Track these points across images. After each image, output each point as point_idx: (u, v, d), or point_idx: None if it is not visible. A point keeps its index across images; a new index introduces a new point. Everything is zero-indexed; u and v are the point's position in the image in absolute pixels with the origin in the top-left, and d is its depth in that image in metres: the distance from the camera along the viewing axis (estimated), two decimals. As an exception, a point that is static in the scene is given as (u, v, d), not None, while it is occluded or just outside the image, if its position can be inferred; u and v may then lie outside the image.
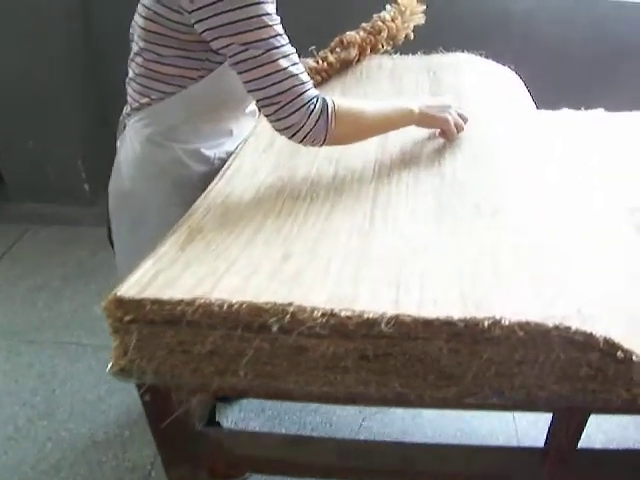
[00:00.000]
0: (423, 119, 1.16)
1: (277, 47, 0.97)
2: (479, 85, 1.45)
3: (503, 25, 2.01)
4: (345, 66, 1.56)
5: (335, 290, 0.76)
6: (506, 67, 1.59)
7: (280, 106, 0.98)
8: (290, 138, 1.03)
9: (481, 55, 1.59)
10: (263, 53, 0.96)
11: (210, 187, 1.06)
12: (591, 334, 0.70)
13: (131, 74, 1.14)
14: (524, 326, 0.70)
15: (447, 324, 0.70)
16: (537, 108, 1.58)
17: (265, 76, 0.97)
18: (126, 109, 1.18)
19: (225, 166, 1.13)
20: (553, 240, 0.89)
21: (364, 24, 1.59)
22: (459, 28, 1.88)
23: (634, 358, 0.70)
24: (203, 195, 1.04)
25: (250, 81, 0.98)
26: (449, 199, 1.01)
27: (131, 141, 1.17)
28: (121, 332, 0.79)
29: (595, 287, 0.81)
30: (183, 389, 0.90)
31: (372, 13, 1.62)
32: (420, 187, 1.06)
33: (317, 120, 1.00)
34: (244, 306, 0.73)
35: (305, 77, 1.01)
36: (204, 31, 0.97)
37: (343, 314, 0.71)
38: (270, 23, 0.96)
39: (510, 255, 0.84)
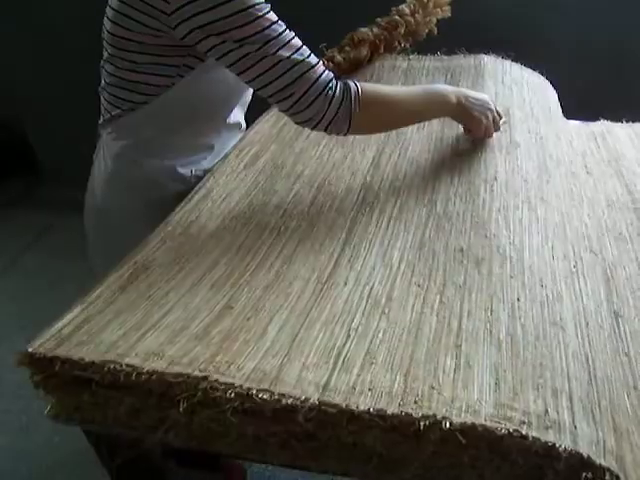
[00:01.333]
0: (460, 113, 1.08)
1: (274, 37, 0.88)
2: (503, 96, 1.29)
3: (535, 25, 1.80)
4: (355, 66, 1.43)
5: (263, 361, 0.67)
6: (536, 72, 1.41)
7: (295, 99, 0.91)
8: (313, 129, 0.96)
9: (509, 58, 1.41)
10: (260, 47, 0.87)
11: (173, 214, 0.97)
12: (553, 446, 0.57)
13: (102, 82, 1.06)
14: (469, 430, 0.58)
15: (378, 418, 0.60)
16: (573, 118, 1.42)
17: (268, 70, 0.89)
18: (100, 119, 1.11)
19: (196, 187, 1.04)
20: (535, 313, 0.76)
21: (379, 19, 1.45)
22: (486, 27, 1.69)
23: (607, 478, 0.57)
24: (164, 223, 0.95)
25: (253, 79, 0.90)
26: (432, 240, 0.89)
27: (104, 155, 1.09)
28: (40, 386, 0.73)
29: (576, 376, 0.67)
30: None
31: (391, 5, 1.47)
32: (403, 221, 0.94)
33: (339, 107, 0.92)
34: (154, 377, 0.65)
35: (314, 60, 0.92)
36: (189, 33, 0.88)
37: (260, 397, 0.61)
38: (260, 14, 0.87)
39: (478, 332, 0.71)
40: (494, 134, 1.12)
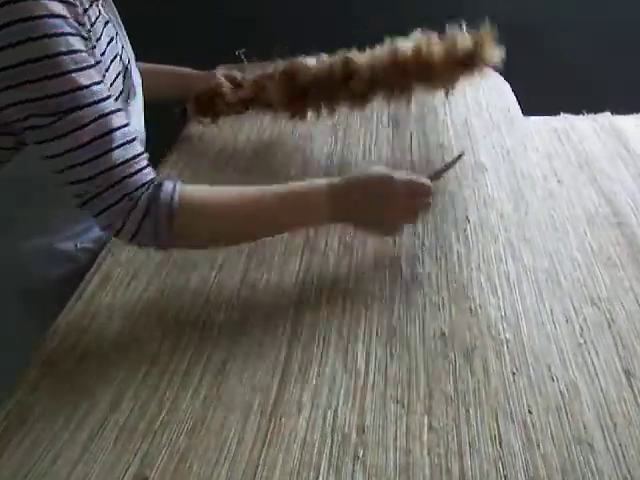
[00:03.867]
0: (342, 221, 0.78)
1: (83, 107, 0.63)
2: (455, 103, 1.10)
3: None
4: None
5: None
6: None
7: (87, 198, 0.67)
8: (117, 237, 0.72)
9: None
10: (58, 119, 0.63)
11: (56, 323, 0.73)
12: None
13: None
14: None
15: None
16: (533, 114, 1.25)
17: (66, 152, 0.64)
18: None
19: (90, 272, 0.80)
20: (554, 431, 0.57)
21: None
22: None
23: None
24: (45, 336, 0.72)
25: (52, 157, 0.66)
26: (403, 322, 0.70)
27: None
28: None
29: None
30: None
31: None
32: (362, 294, 0.74)
33: (141, 220, 0.67)
34: None
35: (134, 149, 0.67)
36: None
37: None
38: (72, 67, 0.63)
39: (489, 478, 0.52)
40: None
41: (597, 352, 0.68)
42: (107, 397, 0.63)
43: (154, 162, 0.75)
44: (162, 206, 0.67)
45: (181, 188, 0.69)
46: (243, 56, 1.25)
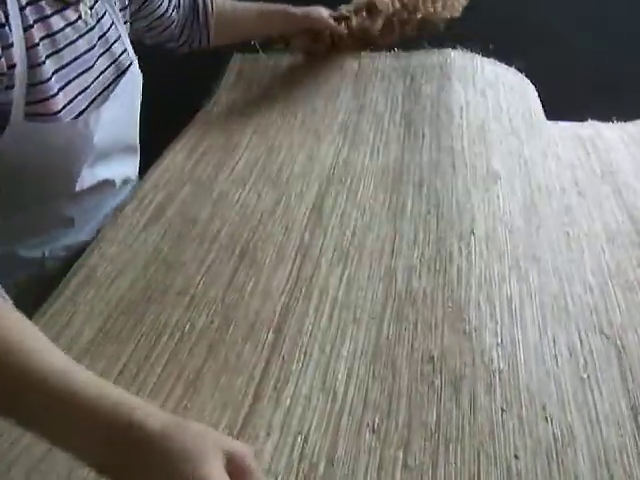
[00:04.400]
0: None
1: None
2: (476, 104, 1.04)
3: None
4: (359, 42, 1.19)
5: None
6: (512, 69, 1.15)
7: None
8: None
9: (481, 53, 1.15)
10: None
11: (38, 314, 0.70)
12: None
13: None
14: None
15: None
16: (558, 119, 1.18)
17: None
18: None
19: (75, 266, 0.77)
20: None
21: None
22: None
23: None
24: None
25: None
26: (392, 341, 0.65)
27: None
28: None
29: None
30: None
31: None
32: (352, 307, 0.70)
33: None
34: None
35: None
36: None
37: None
38: None
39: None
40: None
41: (601, 391, 0.63)
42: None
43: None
44: None
45: None
46: (258, 45, 1.21)
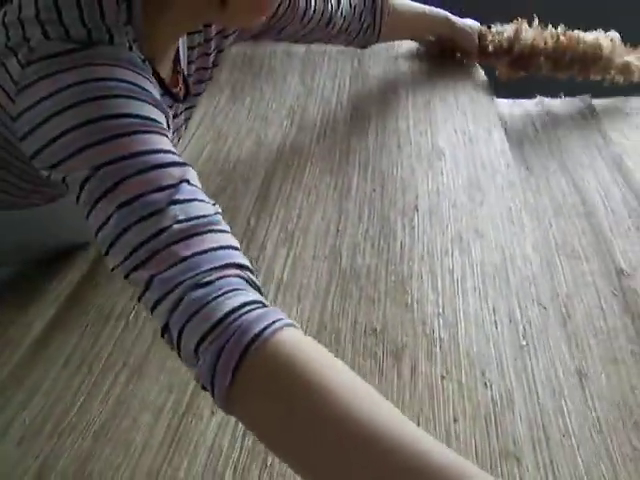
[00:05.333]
0: None
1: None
2: (422, 83, 1.07)
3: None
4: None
5: None
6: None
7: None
8: None
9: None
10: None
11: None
12: None
13: None
14: None
15: None
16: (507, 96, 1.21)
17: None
18: None
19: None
20: (479, 442, 0.55)
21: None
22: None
23: None
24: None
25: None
26: (335, 315, 0.67)
27: None
28: None
29: None
30: None
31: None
32: (297, 286, 0.72)
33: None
34: None
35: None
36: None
37: None
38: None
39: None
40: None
41: (539, 357, 0.66)
42: (19, 396, 0.61)
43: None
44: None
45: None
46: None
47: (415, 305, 0.67)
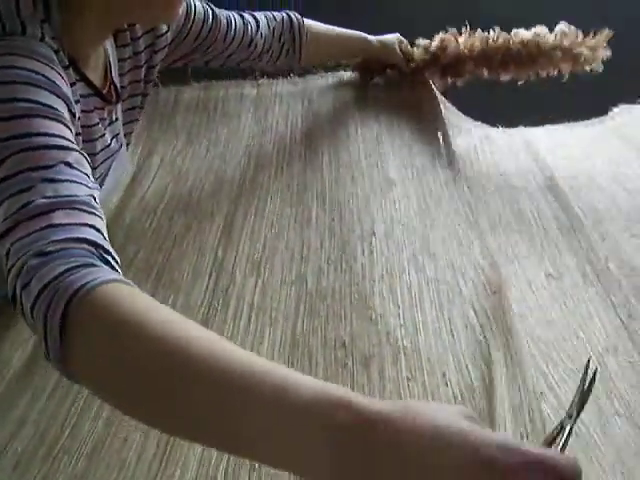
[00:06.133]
0: None
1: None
2: (368, 118, 1.18)
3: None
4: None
5: None
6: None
7: None
8: None
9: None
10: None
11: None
12: None
13: None
14: None
15: None
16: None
17: None
18: None
19: None
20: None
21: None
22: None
23: None
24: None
25: None
26: (306, 333, 0.75)
27: None
28: None
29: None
30: None
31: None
32: (268, 310, 0.79)
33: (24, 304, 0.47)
34: None
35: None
36: None
37: None
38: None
39: None
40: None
41: (498, 349, 0.75)
42: (8, 426, 0.65)
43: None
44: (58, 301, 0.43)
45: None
46: (157, 80, 1.30)
47: (379, 319, 0.76)
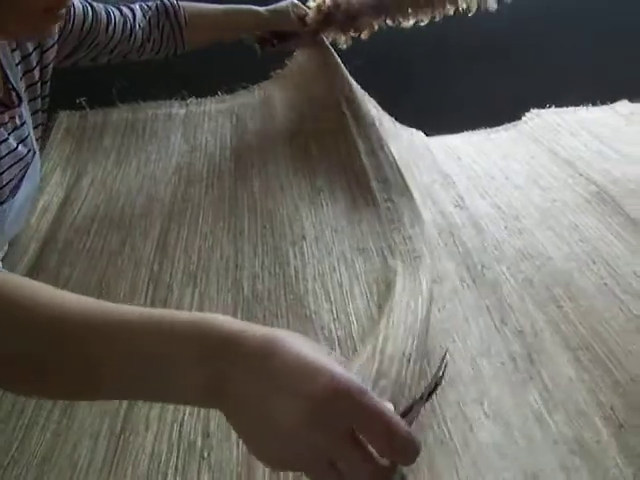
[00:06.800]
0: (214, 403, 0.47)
1: None
2: (295, 133, 1.25)
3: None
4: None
5: None
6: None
7: None
8: None
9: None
10: None
11: None
12: None
13: None
14: None
15: None
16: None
17: None
18: None
19: None
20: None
21: None
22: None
23: None
24: None
25: None
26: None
27: None
28: None
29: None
30: None
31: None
32: (209, 317, 0.84)
33: None
34: None
35: None
36: None
37: None
38: None
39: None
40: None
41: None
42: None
43: None
44: None
45: None
46: (84, 103, 1.34)
47: (313, 316, 0.82)
